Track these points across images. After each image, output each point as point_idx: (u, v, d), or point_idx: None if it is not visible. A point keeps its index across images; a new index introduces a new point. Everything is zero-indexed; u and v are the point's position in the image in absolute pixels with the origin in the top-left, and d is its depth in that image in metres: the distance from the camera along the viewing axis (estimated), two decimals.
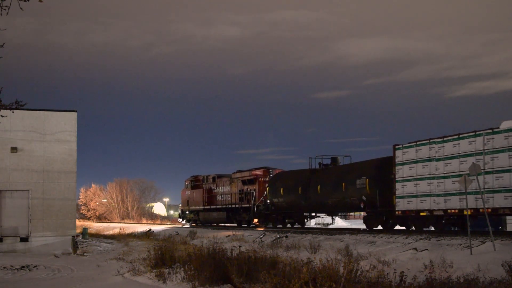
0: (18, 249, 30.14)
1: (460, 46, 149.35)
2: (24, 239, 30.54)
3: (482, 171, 22.32)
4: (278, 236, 29.31)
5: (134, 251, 29.03)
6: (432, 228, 27.18)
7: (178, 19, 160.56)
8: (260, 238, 30.22)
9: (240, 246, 20.78)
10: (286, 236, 28.77)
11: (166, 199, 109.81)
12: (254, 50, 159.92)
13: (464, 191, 19.82)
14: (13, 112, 12.21)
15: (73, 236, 31.55)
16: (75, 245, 31.41)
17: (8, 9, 9.38)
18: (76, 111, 32.12)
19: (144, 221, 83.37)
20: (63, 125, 31.53)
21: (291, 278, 12.23)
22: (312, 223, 44.83)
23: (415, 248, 19.27)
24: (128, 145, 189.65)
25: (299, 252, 22.25)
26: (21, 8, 9.50)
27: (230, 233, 35.57)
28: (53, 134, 31.35)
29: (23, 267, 22.80)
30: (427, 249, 18.89)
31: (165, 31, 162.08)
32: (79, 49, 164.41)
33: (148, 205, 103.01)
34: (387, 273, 13.38)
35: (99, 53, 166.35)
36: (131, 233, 48.11)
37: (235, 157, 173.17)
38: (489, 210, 22.18)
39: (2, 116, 12.00)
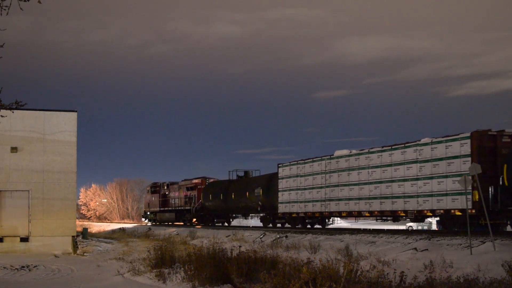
0: (18, 249, 30.13)
1: (460, 45, 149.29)
2: (24, 239, 30.53)
3: (324, 185, 31.77)
4: (278, 236, 29.33)
5: (134, 251, 29.05)
6: (434, 228, 28.27)
7: (175, 17, 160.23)
8: (260, 238, 30.24)
9: (240, 246, 20.76)
10: (286, 236, 28.78)
11: None
12: (253, 49, 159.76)
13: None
14: (13, 112, 12.21)
15: (73, 236, 31.54)
16: (75, 245, 31.41)
17: (8, 9, 9.36)
18: (76, 111, 32.12)
19: (144, 222, 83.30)
20: (63, 125, 31.50)
21: (291, 278, 12.23)
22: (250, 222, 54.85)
23: (415, 248, 19.28)
24: (128, 145, 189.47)
25: (299, 252, 22.23)
26: (21, 8, 9.49)
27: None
28: (53, 134, 31.34)
29: (23, 267, 22.78)
30: (427, 249, 18.90)
31: (162, 29, 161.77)
32: (77, 48, 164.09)
33: None
34: (387, 273, 13.37)
35: (97, 52, 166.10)
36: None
37: (235, 157, 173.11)
38: (345, 213, 31.26)
39: (2, 116, 11.99)
